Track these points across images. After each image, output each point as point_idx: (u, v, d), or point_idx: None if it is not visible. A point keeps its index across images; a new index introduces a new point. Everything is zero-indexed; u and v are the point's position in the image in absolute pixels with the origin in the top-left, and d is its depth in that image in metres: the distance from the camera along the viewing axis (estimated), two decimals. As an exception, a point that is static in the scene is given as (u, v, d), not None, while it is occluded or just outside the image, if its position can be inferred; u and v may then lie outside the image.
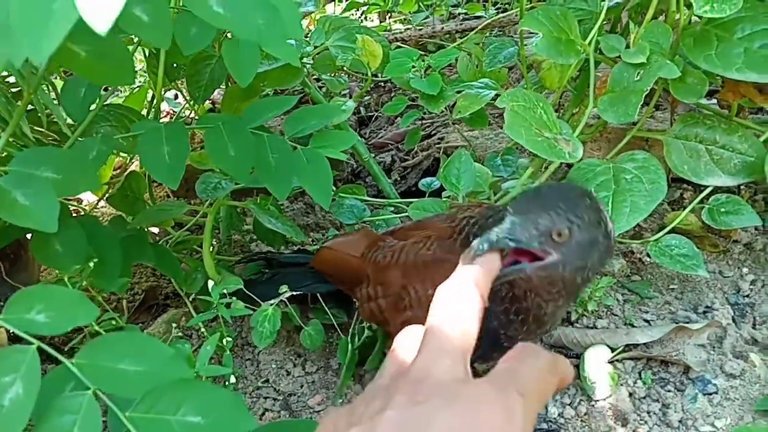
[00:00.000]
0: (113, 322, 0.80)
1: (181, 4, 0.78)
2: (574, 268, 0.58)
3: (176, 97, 1.69)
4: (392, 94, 1.83)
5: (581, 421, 0.86)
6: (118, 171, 1.38)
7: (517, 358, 0.38)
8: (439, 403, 0.32)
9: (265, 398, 0.96)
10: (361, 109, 1.84)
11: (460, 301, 0.40)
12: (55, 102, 0.99)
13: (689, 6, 0.85)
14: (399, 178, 1.52)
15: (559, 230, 0.54)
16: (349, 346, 0.93)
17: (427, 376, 0.35)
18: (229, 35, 0.92)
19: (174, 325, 0.97)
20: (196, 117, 1.29)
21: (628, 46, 0.91)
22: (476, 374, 0.37)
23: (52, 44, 0.39)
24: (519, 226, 0.53)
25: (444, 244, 0.75)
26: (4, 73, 0.90)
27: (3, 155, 0.79)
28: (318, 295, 0.97)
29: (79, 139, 0.85)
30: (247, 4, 0.62)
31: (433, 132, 1.60)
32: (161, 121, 1.28)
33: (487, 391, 0.34)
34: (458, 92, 1.13)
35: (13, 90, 0.97)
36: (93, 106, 0.88)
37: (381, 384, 0.39)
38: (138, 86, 1.35)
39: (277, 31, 0.62)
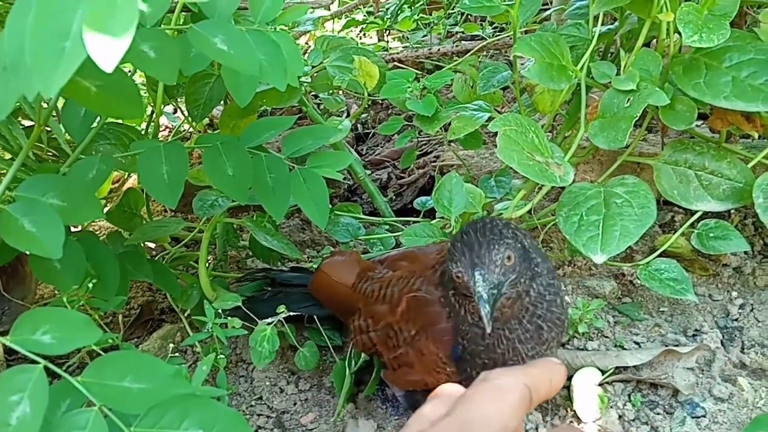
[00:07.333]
0: (110, 341, 0.80)
1: (180, 23, 0.79)
2: (529, 277, 0.67)
3: (175, 111, 1.69)
4: (389, 112, 1.86)
5: (571, 442, 0.87)
6: (116, 185, 1.39)
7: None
8: None
9: (259, 415, 0.96)
10: (359, 126, 1.86)
11: (504, 391, 0.39)
12: (55, 119, 1.01)
13: (679, 34, 0.87)
14: (395, 196, 1.53)
15: (509, 255, 0.64)
16: (347, 371, 0.94)
17: None
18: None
19: (169, 341, 0.98)
20: (195, 132, 1.30)
21: (618, 73, 0.93)
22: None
23: (62, 80, 0.41)
24: (487, 274, 0.61)
25: (429, 281, 0.77)
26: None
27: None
28: (314, 316, 0.99)
29: (81, 156, 0.86)
30: (249, 41, 0.64)
31: (429, 150, 1.62)
32: (160, 136, 1.29)
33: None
34: (454, 113, 1.14)
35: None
36: (93, 125, 0.89)
37: None
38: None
39: (279, 66, 0.65)
